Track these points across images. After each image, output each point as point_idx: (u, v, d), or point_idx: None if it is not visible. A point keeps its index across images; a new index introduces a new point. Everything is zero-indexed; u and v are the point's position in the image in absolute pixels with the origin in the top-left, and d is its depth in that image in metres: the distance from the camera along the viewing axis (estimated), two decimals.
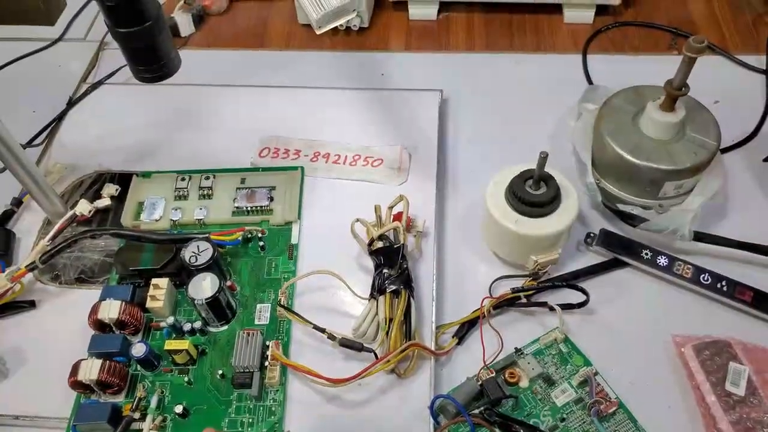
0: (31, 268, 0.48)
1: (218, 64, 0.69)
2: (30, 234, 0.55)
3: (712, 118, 0.52)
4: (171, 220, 0.53)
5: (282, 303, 0.47)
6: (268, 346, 0.46)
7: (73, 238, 0.48)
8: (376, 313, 0.47)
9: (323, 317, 0.47)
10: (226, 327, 0.48)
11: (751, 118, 0.61)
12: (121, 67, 0.67)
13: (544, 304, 0.49)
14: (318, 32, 0.38)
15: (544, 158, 0.46)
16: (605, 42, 0.69)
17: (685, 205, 0.52)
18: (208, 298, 0.45)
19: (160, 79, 0.40)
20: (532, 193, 0.48)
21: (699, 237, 0.51)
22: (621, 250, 0.51)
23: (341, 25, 0.71)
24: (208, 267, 0.47)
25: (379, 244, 0.49)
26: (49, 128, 0.62)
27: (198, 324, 0.47)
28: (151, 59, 0.39)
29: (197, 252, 0.47)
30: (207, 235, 0.49)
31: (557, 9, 0.71)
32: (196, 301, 0.45)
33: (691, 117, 0.51)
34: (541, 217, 0.48)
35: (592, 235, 0.52)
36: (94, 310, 0.46)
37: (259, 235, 0.52)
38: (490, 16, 0.72)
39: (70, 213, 0.53)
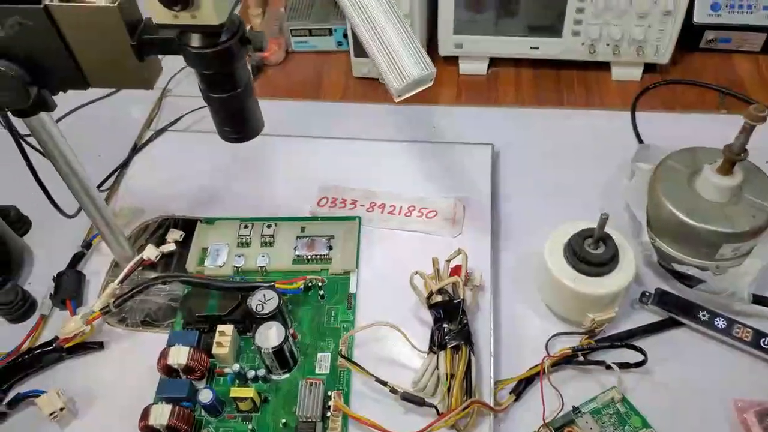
0: (104, 312, 0.50)
1: (276, 113, 0.70)
2: (98, 275, 0.57)
3: None
4: (234, 266, 0.55)
5: (343, 353, 0.48)
6: (329, 397, 0.47)
7: (145, 284, 0.50)
8: (436, 368, 0.47)
9: (380, 368, 0.48)
10: (288, 375, 0.49)
11: None
12: (184, 115, 0.71)
13: (601, 363, 0.49)
14: (397, 100, 0.40)
15: (605, 219, 0.47)
16: (653, 99, 0.70)
17: (743, 267, 0.52)
18: (275, 347, 0.46)
19: (244, 140, 0.42)
20: (592, 252, 0.49)
21: (758, 300, 0.51)
22: (677, 311, 0.52)
23: (380, 75, 0.74)
24: (273, 316, 0.48)
25: (438, 298, 0.50)
26: (116, 173, 0.65)
27: (261, 371, 0.48)
28: (238, 122, 0.41)
29: (263, 300, 0.49)
30: (272, 283, 0.51)
31: (605, 66, 0.72)
32: (263, 350, 0.46)
33: (749, 180, 0.52)
34: (599, 276, 0.49)
35: (647, 293, 0.53)
36: (164, 354, 0.48)
37: (319, 284, 0.53)
38: (539, 72, 0.74)
39: (138, 257, 0.55)
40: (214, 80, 0.38)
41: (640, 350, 0.49)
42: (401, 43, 0.38)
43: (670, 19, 0.66)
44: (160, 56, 0.40)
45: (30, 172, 0.47)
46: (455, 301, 0.49)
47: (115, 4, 0.35)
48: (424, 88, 0.40)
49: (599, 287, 0.49)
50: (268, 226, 0.57)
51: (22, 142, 0.45)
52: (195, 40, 0.35)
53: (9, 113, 0.41)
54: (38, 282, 0.57)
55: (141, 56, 0.37)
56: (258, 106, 0.43)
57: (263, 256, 0.55)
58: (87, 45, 0.38)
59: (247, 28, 0.90)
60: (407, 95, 0.40)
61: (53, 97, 0.42)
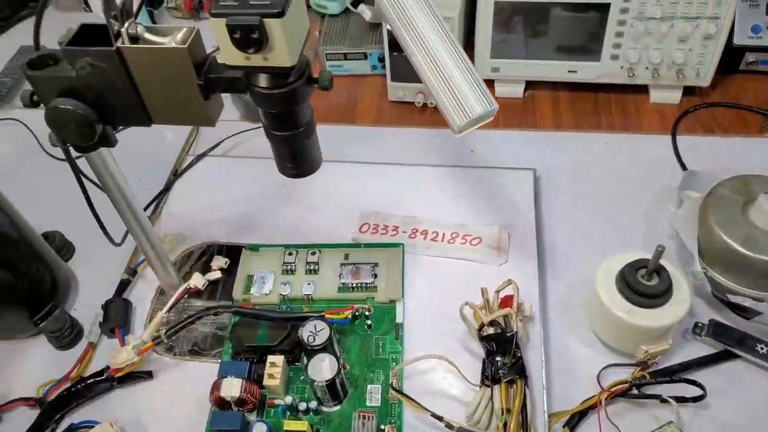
0: (157, 342, 0.50)
1: None
2: (143, 302, 0.57)
3: None
4: (280, 294, 0.55)
5: (394, 386, 0.48)
6: (382, 430, 0.46)
7: (198, 315, 0.50)
8: (489, 401, 0.47)
9: (429, 400, 0.48)
10: (338, 407, 0.49)
11: None
12: (223, 140, 0.71)
13: (657, 397, 0.49)
14: (457, 136, 0.40)
15: (660, 252, 0.47)
16: (693, 123, 0.70)
17: None
18: (328, 380, 0.46)
19: (302, 176, 0.43)
20: (646, 284, 0.48)
21: None
22: (733, 343, 0.51)
23: (430, 102, 0.74)
24: (324, 347, 0.48)
25: (490, 330, 0.50)
26: (158, 198, 0.66)
27: (313, 404, 0.48)
28: (298, 159, 0.41)
29: (314, 332, 0.49)
30: (322, 314, 0.50)
31: (643, 89, 0.72)
32: (315, 383, 0.46)
33: None
34: (653, 307, 0.48)
35: (700, 325, 0.52)
36: (216, 386, 0.47)
37: (366, 313, 0.53)
38: (575, 95, 0.74)
39: (184, 285, 0.55)
40: (279, 119, 0.39)
41: (700, 385, 0.48)
42: (463, 79, 0.38)
43: (711, 42, 0.65)
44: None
45: (87, 203, 0.47)
46: (509, 334, 0.49)
47: (185, 45, 0.35)
48: (484, 123, 0.40)
49: (653, 319, 0.48)
50: (313, 253, 0.57)
51: (81, 175, 0.45)
52: (263, 81, 0.35)
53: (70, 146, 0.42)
54: (83, 308, 0.57)
55: (207, 95, 0.37)
56: (318, 144, 0.43)
57: (309, 284, 0.55)
58: (154, 84, 0.38)
59: None
60: (468, 131, 0.40)
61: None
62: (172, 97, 0.38)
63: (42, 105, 0.38)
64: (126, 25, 0.36)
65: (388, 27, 0.45)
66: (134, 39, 0.36)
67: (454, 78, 0.38)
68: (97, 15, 0.89)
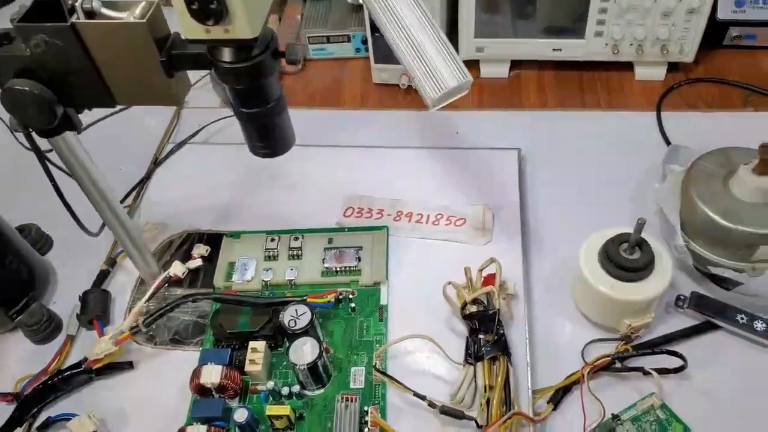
0: (134, 331, 0.49)
1: (295, 123, 0.70)
2: (123, 293, 0.56)
3: None
4: (263, 280, 0.54)
5: (378, 367, 0.48)
6: (366, 412, 0.46)
7: (176, 303, 0.50)
8: (473, 379, 0.47)
9: (414, 380, 0.47)
10: (322, 390, 0.48)
11: None
12: (203, 127, 0.70)
13: (639, 369, 0.48)
14: (432, 110, 0.39)
15: (641, 225, 0.47)
16: (677, 99, 0.69)
17: None
18: (310, 363, 0.46)
19: (275, 155, 0.42)
20: (628, 258, 0.48)
21: None
22: (714, 314, 0.51)
23: (414, 84, 0.73)
24: (306, 331, 0.48)
25: (473, 309, 0.49)
26: (138, 188, 0.65)
27: (296, 388, 0.47)
28: (270, 137, 0.40)
29: (296, 316, 0.48)
30: (304, 298, 0.50)
31: (627, 66, 0.72)
32: (297, 367, 0.46)
33: None
34: (636, 281, 0.48)
35: (683, 297, 0.52)
36: (196, 374, 0.47)
37: (350, 296, 0.53)
38: (561, 73, 0.73)
39: (164, 274, 0.54)
40: (246, 95, 0.38)
41: (680, 356, 0.48)
42: (437, 52, 0.37)
43: (694, 16, 0.65)
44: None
45: (55, 192, 0.46)
46: (491, 312, 0.48)
47: (144, 20, 0.34)
48: (459, 96, 0.39)
49: (636, 293, 0.48)
50: (295, 239, 0.57)
51: (47, 162, 0.44)
52: (227, 55, 0.34)
53: (33, 132, 0.40)
54: (63, 301, 0.56)
55: (170, 72, 0.36)
56: (290, 121, 0.42)
57: (291, 269, 0.55)
58: (114, 62, 0.37)
59: None
60: (442, 105, 0.39)
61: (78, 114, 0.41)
62: (135, 76, 0.37)
63: None
64: None
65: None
66: (90, 14, 0.35)
67: (427, 51, 0.38)
68: None
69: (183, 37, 0.34)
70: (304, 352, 0.46)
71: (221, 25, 0.32)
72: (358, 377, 0.49)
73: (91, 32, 0.36)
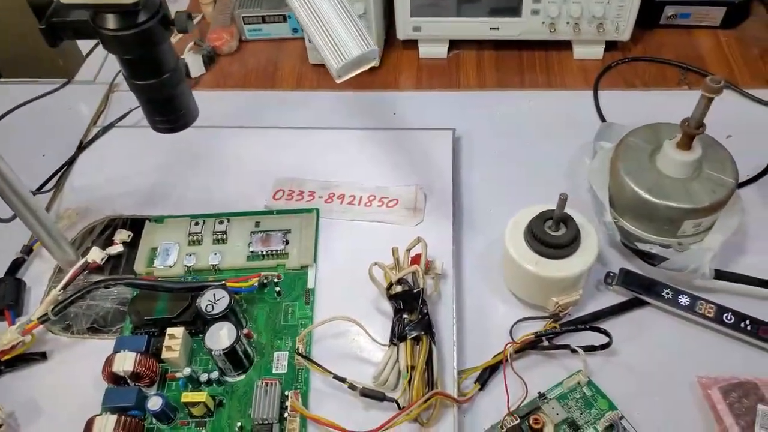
0: (43, 320, 0.47)
1: (229, 104, 0.69)
2: (41, 282, 0.54)
3: (728, 155, 0.52)
4: (185, 266, 0.53)
5: (300, 351, 0.47)
6: (287, 397, 0.45)
7: (86, 289, 0.48)
8: (397, 361, 0.46)
9: (342, 364, 0.46)
10: (243, 376, 0.47)
11: (763, 152, 0.61)
12: (132, 110, 0.67)
13: (566, 347, 0.48)
14: (338, 81, 0.38)
15: (564, 200, 0.46)
16: (615, 78, 0.69)
17: (704, 243, 0.51)
18: (226, 348, 0.44)
19: (176, 130, 0.40)
20: (552, 235, 0.47)
21: (720, 275, 0.50)
22: (641, 290, 0.51)
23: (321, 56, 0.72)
24: (224, 316, 0.46)
25: (398, 289, 0.48)
26: (60, 173, 0.62)
27: (215, 374, 0.46)
28: (169, 110, 0.38)
29: (213, 300, 0.46)
30: (223, 282, 0.48)
31: (567, 45, 0.71)
32: (213, 352, 0.44)
33: (708, 154, 0.51)
34: (561, 258, 0.47)
35: (611, 274, 0.52)
36: (109, 362, 0.45)
37: (275, 280, 0.51)
38: (500, 54, 0.72)
39: (81, 261, 0.52)
40: (137, 65, 0.36)
41: (605, 332, 0.48)
42: (339, 21, 0.36)
43: None
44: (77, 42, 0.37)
45: None
46: (415, 291, 0.47)
47: None
48: (366, 68, 0.38)
49: (561, 270, 0.47)
50: (221, 222, 0.55)
51: None
52: (110, 22, 0.32)
53: None
54: None
55: (53, 41, 0.34)
56: (190, 93, 0.40)
57: (215, 254, 0.53)
58: None
59: (199, 17, 0.87)
60: (349, 76, 0.38)
61: None
62: (17, 47, 0.34)
63: None
64: None
65: None
66: None
67: (330, 22, 0.36)
68: None
69: (62, 1, 0.32)
70: (220, 336, 0.45)
71: None
72: (281, 362, 0.48)
73: None
